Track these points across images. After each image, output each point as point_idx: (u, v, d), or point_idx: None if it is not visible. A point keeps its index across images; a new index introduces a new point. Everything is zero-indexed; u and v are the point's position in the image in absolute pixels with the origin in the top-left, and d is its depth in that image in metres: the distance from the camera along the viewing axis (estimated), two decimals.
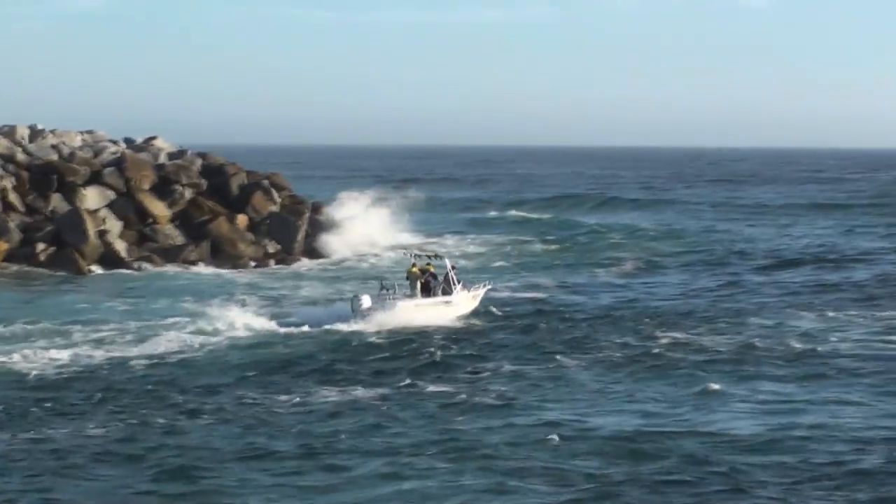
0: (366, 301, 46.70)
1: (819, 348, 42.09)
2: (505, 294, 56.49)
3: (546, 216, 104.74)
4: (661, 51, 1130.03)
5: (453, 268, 50.30)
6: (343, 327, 45.90)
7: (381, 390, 35.83)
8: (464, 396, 34.79)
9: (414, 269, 49.49)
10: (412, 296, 48.42)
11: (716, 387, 35.78)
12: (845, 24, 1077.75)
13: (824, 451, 28.65)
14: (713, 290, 59.10)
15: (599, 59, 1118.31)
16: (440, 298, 48.48)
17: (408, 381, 37.18)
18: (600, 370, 38.81)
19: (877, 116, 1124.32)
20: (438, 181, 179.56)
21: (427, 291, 48.67)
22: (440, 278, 49.28)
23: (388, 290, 48.52)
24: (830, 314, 49.92)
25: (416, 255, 51.54)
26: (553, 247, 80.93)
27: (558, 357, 40.84)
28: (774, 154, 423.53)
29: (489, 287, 51.98)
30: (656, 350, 42.01)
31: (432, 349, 42.24)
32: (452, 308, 48.64)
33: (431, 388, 36.21)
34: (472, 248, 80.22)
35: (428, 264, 50.05)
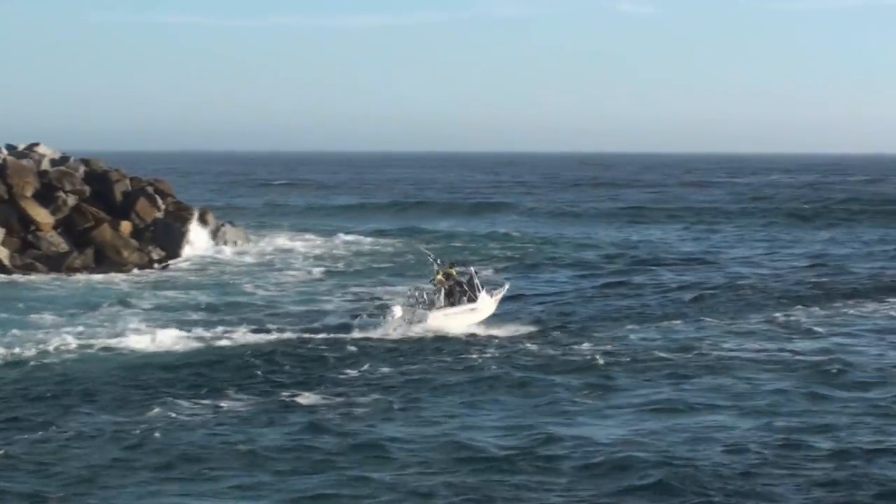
0: (397, 312, 47.22)
1: (686, 354, 42.58)
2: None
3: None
4: (545, 56, 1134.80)
5: (476, 273, 50.97)
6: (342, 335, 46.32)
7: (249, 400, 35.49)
8: (327, 409, 34.40)
9: (438, 276, 49.43)
10: (437, 303, 48.63)
11: (584, 392, 36.41)
12: (727, 30, 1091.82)
13: (689, 456, 28.97)
14: (581, 293, 60.33)
15: (485, 64, 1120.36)
16: (466, 306, 48.83)
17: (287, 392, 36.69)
18: (470, 378, 38.66)
19: (754, 121, 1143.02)
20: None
21: (451, 298, 48.91)
22: (464, 284, 49.51)
23: (417, 299, 48.93)
24: (702, 319, 50.87)
25: (440, 260, 51.68)
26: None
27: (433, 364, 40.95)
28: (656, 159, 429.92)
29: (508, 287, 52.62)
30: (526, 358, 42.12)
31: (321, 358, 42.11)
32: (477, 314, 49.07)
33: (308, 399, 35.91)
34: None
35: (450, 270, 50.10)
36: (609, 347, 43.92)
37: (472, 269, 51.90)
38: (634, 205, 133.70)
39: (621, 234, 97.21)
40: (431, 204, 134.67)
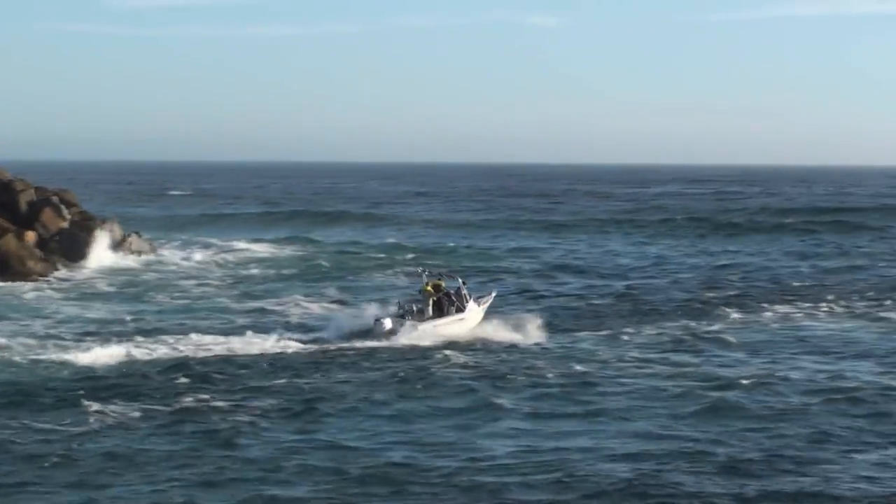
0: (387, 324, 47.86)
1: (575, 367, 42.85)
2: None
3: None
4: (453, 69, 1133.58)
5: (464, 283, 51.75)
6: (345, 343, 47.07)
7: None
8: (227, 420, 34.61)
9: (427, 287, 50.26)
10: (425, 313, 49.42)
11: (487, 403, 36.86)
12: (635, 41, 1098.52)
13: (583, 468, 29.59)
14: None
15: (394, 76, 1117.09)
16: (455, 316, 49.51)
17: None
18: (367, 388, 39.04)
19: (653, 132, 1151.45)
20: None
21: (439, 308, 49.63)
22: (452, 295, 50.26)
23: (406, 310, 49.61)
24: (595, 329, 51.63)
25: (429, 273, 52.65)
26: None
27: (330, 375, 41.20)
28: (555, 170, 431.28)
29: (495, 295, 53.74)
30: (435, 368, 42.67)
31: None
32: (466, 323, 49.80)
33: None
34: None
35: (440, 281, 51.13)
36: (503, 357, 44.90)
37: (460, 279, 52.74)
38: (536, 216, 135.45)
39: (517, 243, 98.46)
40: (332, 214, 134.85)
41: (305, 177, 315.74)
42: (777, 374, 41.08)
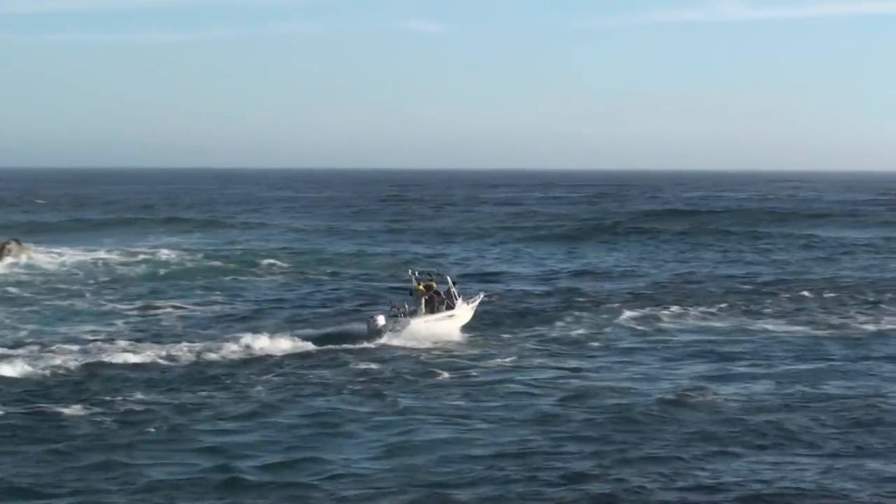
0: (381, 320, 49.50)
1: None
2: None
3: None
4: (338, 75, 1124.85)
5: (454, 283, 53.33)
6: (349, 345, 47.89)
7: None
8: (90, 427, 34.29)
9: (419, 287, 51.91)
10: (418, 312, 51.00)
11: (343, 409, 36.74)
12: (513, 47, 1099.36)
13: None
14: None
15: (280, 84, 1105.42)
16: (446, 313, 51.28)
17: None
18: (237, 398, 38.49)
19: (538, 138, 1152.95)
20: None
21: (430, 307, 51.32)
22: (442, 294, 51.96)
23: (398, 308, 51.26)
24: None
25: (419, 273, 54.49)
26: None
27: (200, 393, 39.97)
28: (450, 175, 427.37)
29: (482, 296, 55.64)
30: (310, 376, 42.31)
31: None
32: (456, 320, 51.72)
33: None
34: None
35: (430, 281, 52.85)
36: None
37: (449, 279, 54.19)
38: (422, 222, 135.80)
39: (386, 247, 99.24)
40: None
41: (192, 183, 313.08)
42: (632, 379, 42.17)
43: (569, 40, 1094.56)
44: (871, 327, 54.82)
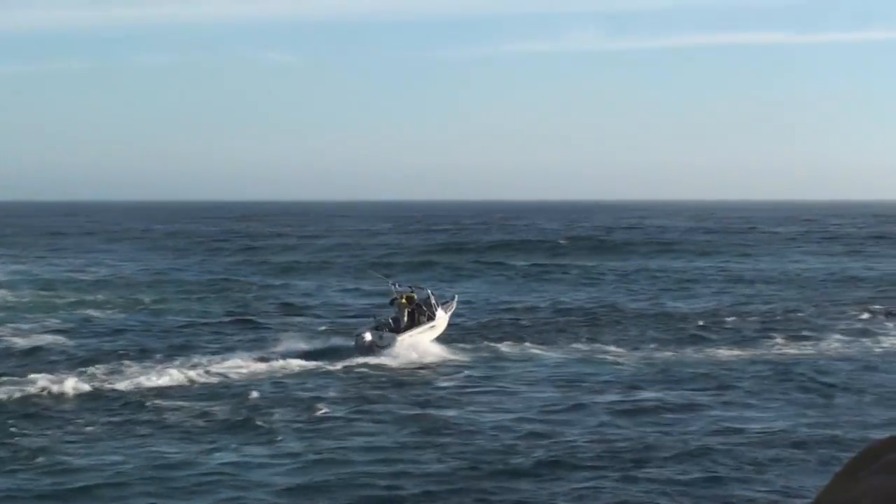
0: (368, 337, 50.38)
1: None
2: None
3: None
4: (194, 106, 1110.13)
5: (431, 293, 55.08)
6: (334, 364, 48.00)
7: None
8: None
9: (403, 301, 53.08)
10: (401, 323, 52.32)
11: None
12: (378, 78, 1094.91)
13: None
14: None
15: (129, 116, 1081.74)
16: (427, 325, 52.72)
17: None
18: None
19: (395, 169, 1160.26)
20: None
21: (412, 318, 52.55)
22: (423, 305, 53.42)
23: (383, 324, 52.38)
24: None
25: (399, 286, 55.75)
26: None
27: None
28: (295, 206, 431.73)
29: (456, 300, 57.68)
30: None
31: None
32: (436, 330, 53.24)
33: None
34: None
35: (412, 293, 53.94)
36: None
37: (428, 289, 56.10)
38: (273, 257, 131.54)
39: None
40: None
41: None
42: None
43: (426, 71, 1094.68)
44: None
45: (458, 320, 60.25)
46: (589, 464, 32.22)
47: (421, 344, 51.25)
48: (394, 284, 55.96)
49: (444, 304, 55.11)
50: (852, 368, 48.41)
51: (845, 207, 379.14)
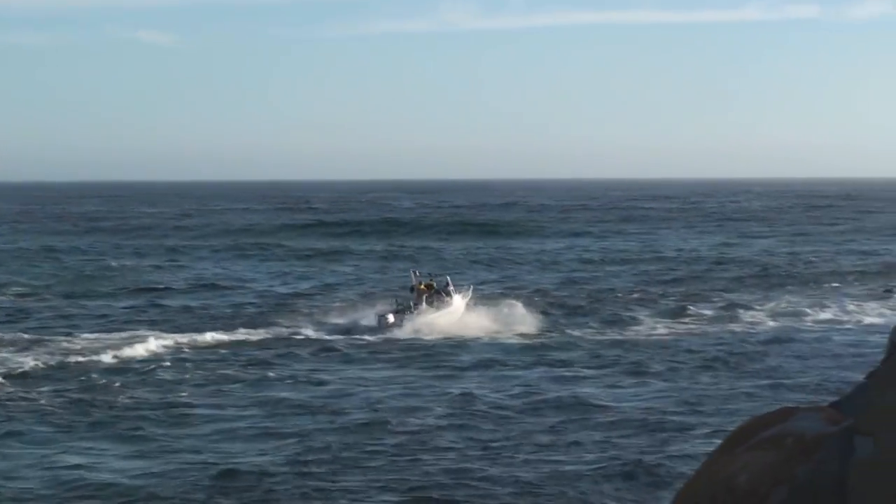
0: (391, 318, 54.72)
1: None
2: None
3: None
4: (67, 88, 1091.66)
5: (450, 281, 59.53)
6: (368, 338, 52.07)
7: None
8: None
9: (421, 286, 58.08)
10: (420, 307, 56.36)
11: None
12: (255, 59, 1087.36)
13: None
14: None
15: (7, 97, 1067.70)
16: (447, 309, 56.84)
17: None
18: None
19: (269, 150, 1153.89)
20: None
21: (430, 302, 56.84)
22: (441, 291, 58.12)
23: (404, 306, 56.90)
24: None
25: (419, 273, 61.04)
26: None
27: None
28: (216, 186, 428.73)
29: (471, 290, 60.65)
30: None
31: None
32: (455, 314, 56.96)
33: None
34: None
35: (430, 281, 59.15)
36: None
37: (447, 277, 60.88)
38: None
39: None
40: None
41: None
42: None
43: (300, 51, 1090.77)
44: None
45: None
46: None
47: (440, 324, 55.00)
48: (414, 272, 60.92)
49: (461, 292, 59.19)
50: (723, 346, 48.91)
51: (726, 185, 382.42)
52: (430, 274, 62.11)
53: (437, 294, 57.75)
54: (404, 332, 53.44)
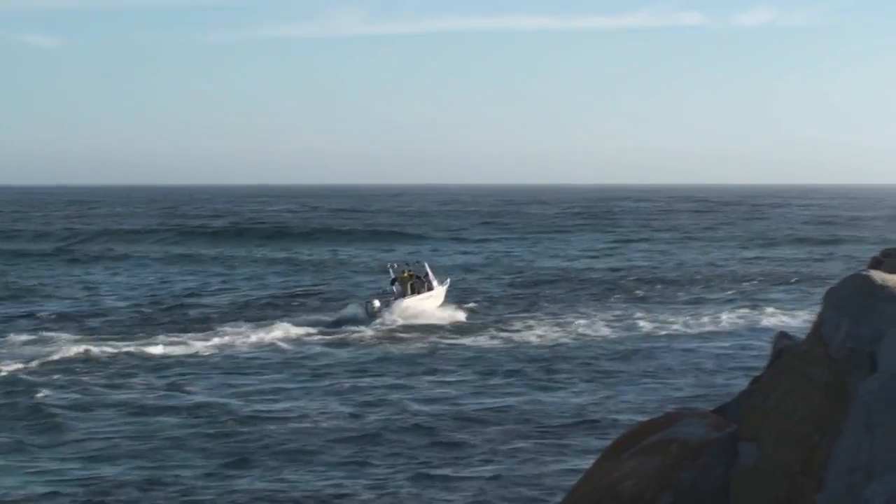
0: (377, 304, 57.57)
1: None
2: None
3: None
4: None
5: (429, 268, 63.45)
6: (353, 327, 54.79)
7: None
8: None
9: (404, 275, 61.41)
10: (406, 294, 59.84)
11: None
12: (128, 62, 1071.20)
13: None
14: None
15: None
16: (428, 294, 60.54)
17: None
18: None
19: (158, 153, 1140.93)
20: None
21: (413, 290, 60.45)
22: (422, 278, 61.78)
23: (388, 293, 60.28)
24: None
25: (397, 264, 64.73)
26: None
27: None
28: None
29: (449, 281, 65.05)
30: None
31: None
32: (436, 300, 60.88)
33: None
34: None
35: (410, 270, 62.38)
36: None
37: (426, 264, 64.67)
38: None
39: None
40: None
41: None
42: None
43: (189, 56, 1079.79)
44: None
45: None
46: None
47: (424, 308, 58.36)
48: (391, 266, 64.05)
49: (441, 281, 63.17)
50: (601, 353, 48.91)
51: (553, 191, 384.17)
52: (407, 264, 65.28)
53: (419, 280, 61.37)
54: (390, 317, 56.45)
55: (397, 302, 58.12)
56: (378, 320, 55.91)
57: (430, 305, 59.16)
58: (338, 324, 55.79)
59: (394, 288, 60.72)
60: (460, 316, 58.23)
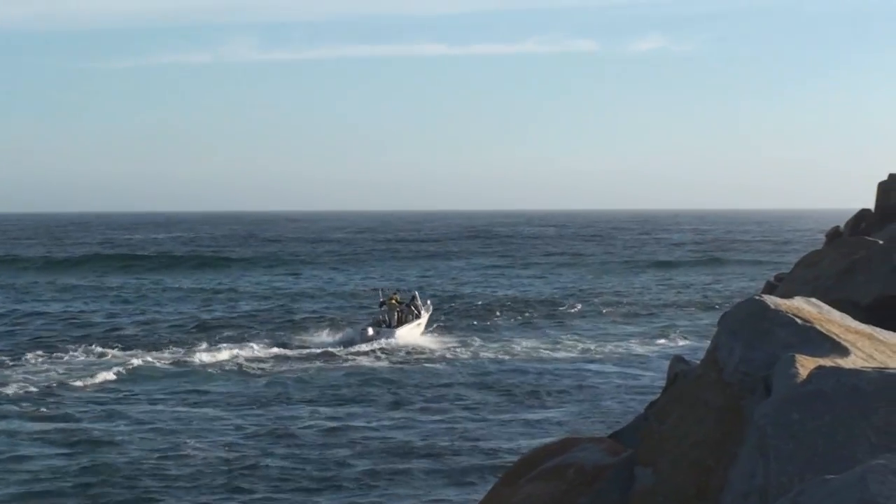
0: (370, 331, 59.48)
1: None
2: None
3: None
4: None
5: (417, 296, 65.62)
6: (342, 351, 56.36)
7: None
8: None
9: (392, 301, 62.86)
10: (392, 321, 61.68)
11: None
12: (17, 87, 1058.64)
13: None
14: None
15: None
16: (416, 321, 62.31)
17: None
18: None
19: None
20: None
21: (401, 317, 62.11)
22: (409, 305, 63.47)
23: (381, 321, 61.76)
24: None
25: (385, 290, 66.39)
26: None
27: None
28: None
29: (430, 304, 67.23)
30: None
31: None
32: (421, 326, 62.72)
33: None
34: None
35: (395, 296, 63.89)
36: None
37: (414, 291, 67.37)
38: None
39: None
40: None
41: None
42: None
43: (88, 81, 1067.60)
44: None
45: None
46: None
47: (411, 336, 60.29)
48: (381, 291, 66.64)
49: (424, 307, 64.78)
50: (498, 377, 49.07)
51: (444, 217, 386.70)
52: (396, 290, 67.33)
53: (406, 307, 63.16)
54: (383, 344, 57.91)
55: (389, 332, 59.84)
56: (371, 346, 57.45)
57: (416, 332, 61.39)
58: (334, 345, 58.20)
59: (383, 310, 62.61)
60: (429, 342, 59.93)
